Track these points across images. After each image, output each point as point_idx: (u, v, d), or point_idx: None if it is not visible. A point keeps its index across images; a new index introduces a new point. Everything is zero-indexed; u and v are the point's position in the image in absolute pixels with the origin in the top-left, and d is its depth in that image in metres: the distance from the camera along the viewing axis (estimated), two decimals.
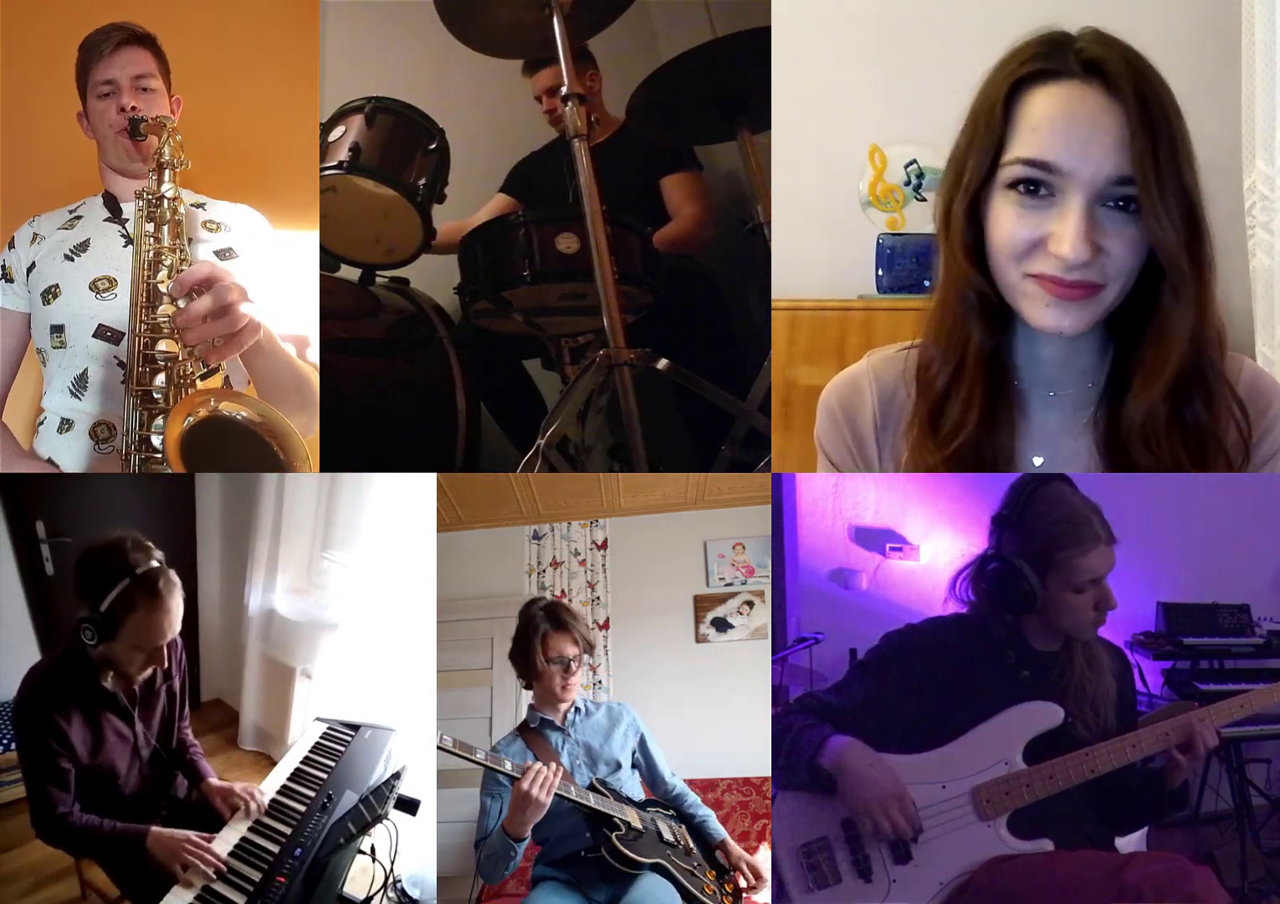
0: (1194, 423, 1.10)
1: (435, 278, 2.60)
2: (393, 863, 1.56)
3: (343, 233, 2.30)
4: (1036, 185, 1.04)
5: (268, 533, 2.72)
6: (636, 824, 1.70)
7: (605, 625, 2.76)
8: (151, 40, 1.87)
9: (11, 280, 1.90)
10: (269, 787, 1.69)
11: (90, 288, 1.82)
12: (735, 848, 1.79)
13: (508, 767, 1.57)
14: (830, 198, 2.44)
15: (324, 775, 1.78)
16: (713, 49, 2.09)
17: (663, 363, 1.93)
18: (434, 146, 2.32)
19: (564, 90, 1.92)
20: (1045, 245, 1.04)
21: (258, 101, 2.26)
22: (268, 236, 2.00)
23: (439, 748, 1.54)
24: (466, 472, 2.21)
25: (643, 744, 1.86)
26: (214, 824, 1.55)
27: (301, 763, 1.82)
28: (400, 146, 2.29)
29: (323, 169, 2.23)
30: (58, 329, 1.83)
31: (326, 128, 2.31)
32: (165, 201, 1.72)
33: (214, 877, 1.39)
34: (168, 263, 1.70)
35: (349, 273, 2.43)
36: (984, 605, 1.33)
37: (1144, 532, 2.11)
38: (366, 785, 1.72)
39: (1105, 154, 1.02)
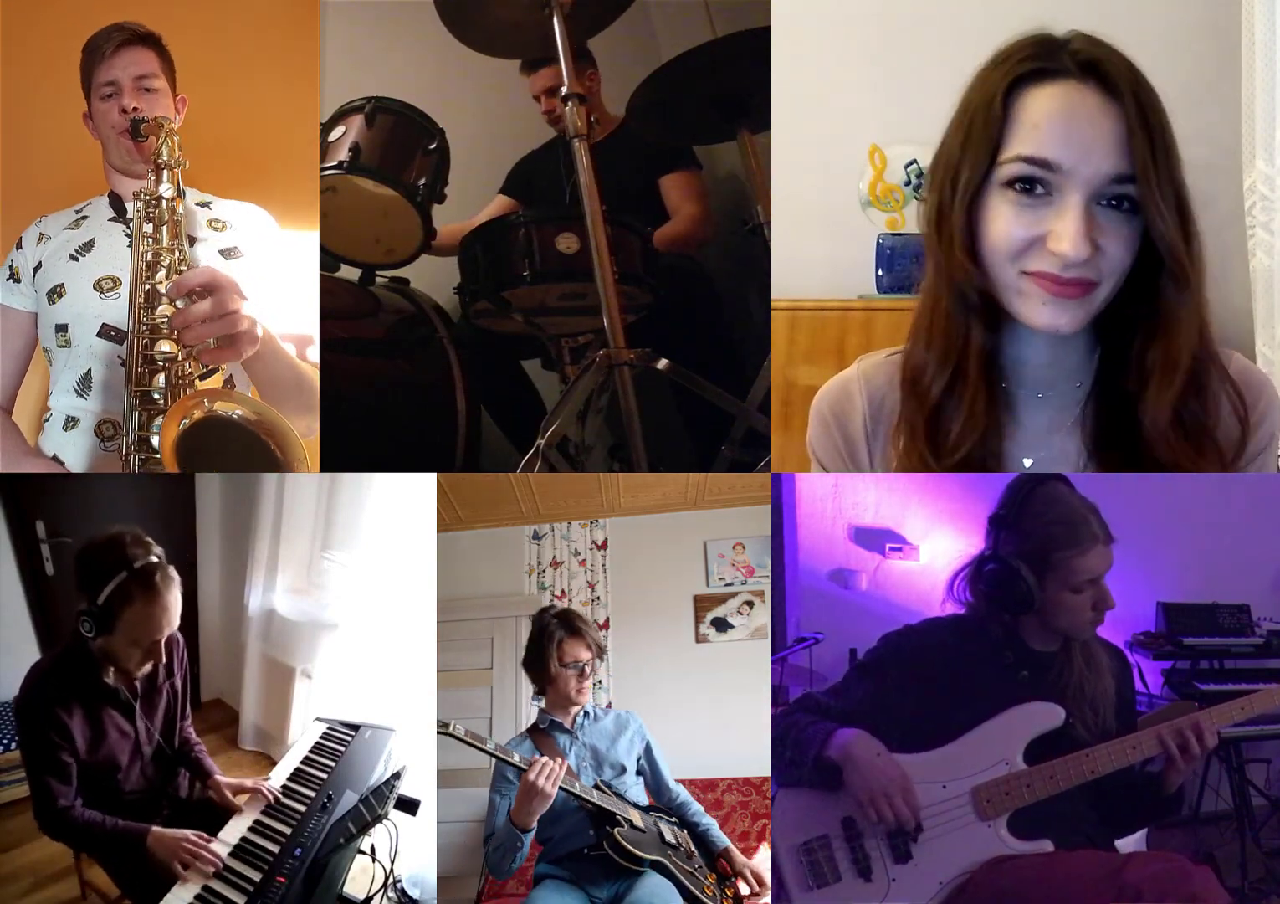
0: (1192, 417, 1.10)
1: (435, 278, 2.60)
2: (393, 863, 1.56)
3: (343, 233, 2.31)
4: (1034, 184, 1.05)
5: (268, 533, 2.72)
6: (639, 823, 1.72)
7: (605, 625, 2.76)
8: (155, 40, 1.87)
9: (19, 280, 1.91)
10: (274, 781, 1.70)
11: (94, 287, 1.82)
12: (738, 856, 1.80)
13: (515, 758, 1.61)
14: (830, 198, 2.43)
15: (324, 775, 1.78)
16: (713, 49, 2.09)
17: (663, 363, 1.94)
18: (434, 146, 2.32)
19: (564, 90, 1.92)
20: (1043, 244, 1.04)
21: (258, 101, 2.26)
22: (273, 235, 2.00)
23: (451, 734, 1.58)
24: (466, 472, 2.21)
25: (648, 752, 1.89)
26: (215, 823, 1.56)
27: (301, 763, 1.82)
28: (400, 146, 2.29)
29: (323, 169, 2.23)
30: (62, 328, 1.84)
31: (326, 128, 2.31)
32: (163, 202, 1.72)
33: (211, 875, 1.40)
34: (166, 263, 1.70)
35: (349, 273, 2.42)
36: (982, 606, 1.33)
37: (1144, 532, 2.11)
38: (366, 785, 1.73)
39: (1105, 152, 1.02)
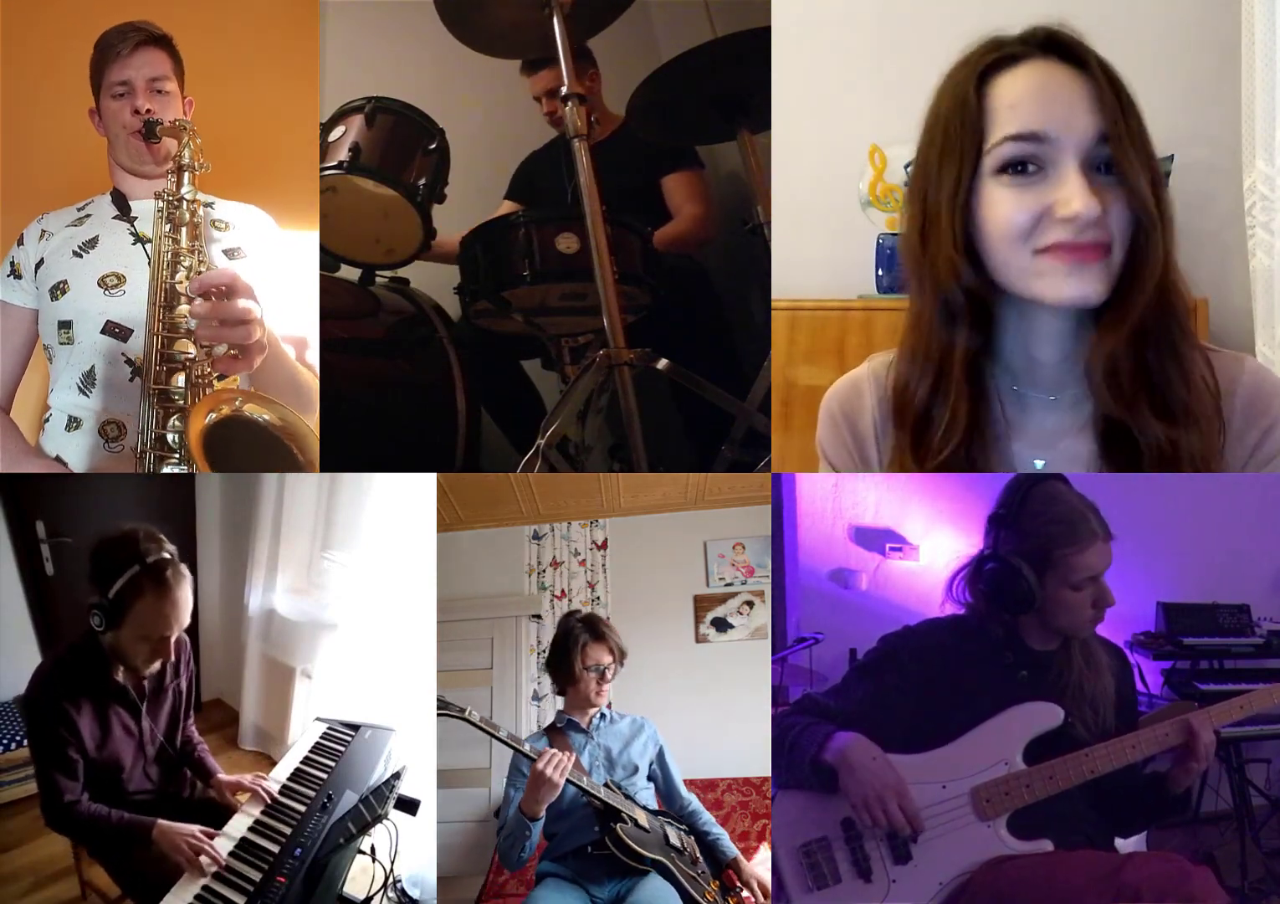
0: (1161, 380, 1.09)
1: (435, 278, 2.60)
2: (393, 863, 1.56)
3: (343, 233, 2.31)
4: (1025, 164, 1.06)
5: (268, 533, 2.72)
6: (643, 823, 1.74)
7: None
8: (168, 41, 1.88)
9: (20, 276, 1.91)
10: (274, 781, 1.71)
11: (99, 284, 1.82)
12: (747, 867, 1.81)
13: (526, 748, 1.66)
14: (830, 198, 2.43)
15: (324, 775, 1.78)
16: (713, 49, 2.09)
17: (663, 363, 1.94)
18: (434, 146, 2.32)
19: (564, 90, 1.92)
20: (1050, 217, 1.04)
21: (258, 101, 2.26)
22: (274, 236, 2.01)
23: (466, 719, 1.63)
24: (466, 472, 2.21)
25: (661, 757, 1.91)
26: (217, 824, 1.56)
27: (301, 763, 1.82)
28: (400, 146, 2.29)
29: (323, 169, 2.23)
30: (65, 325, 1.84)
31: (326, 128, 2.31)
32: (184, 204, 1.74)
33: (213, 872, 1.41)
34: (186, 264, 1.72)
35: (349, 273, 2.43)
36: (981, 606, 1.33)
37: (1143, 531, 2.11)
38: (366, 785, 1.73)
39: (1086, 115, 1.05)
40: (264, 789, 1.66)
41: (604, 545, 2.87)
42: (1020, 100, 1.07)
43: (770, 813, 1.44)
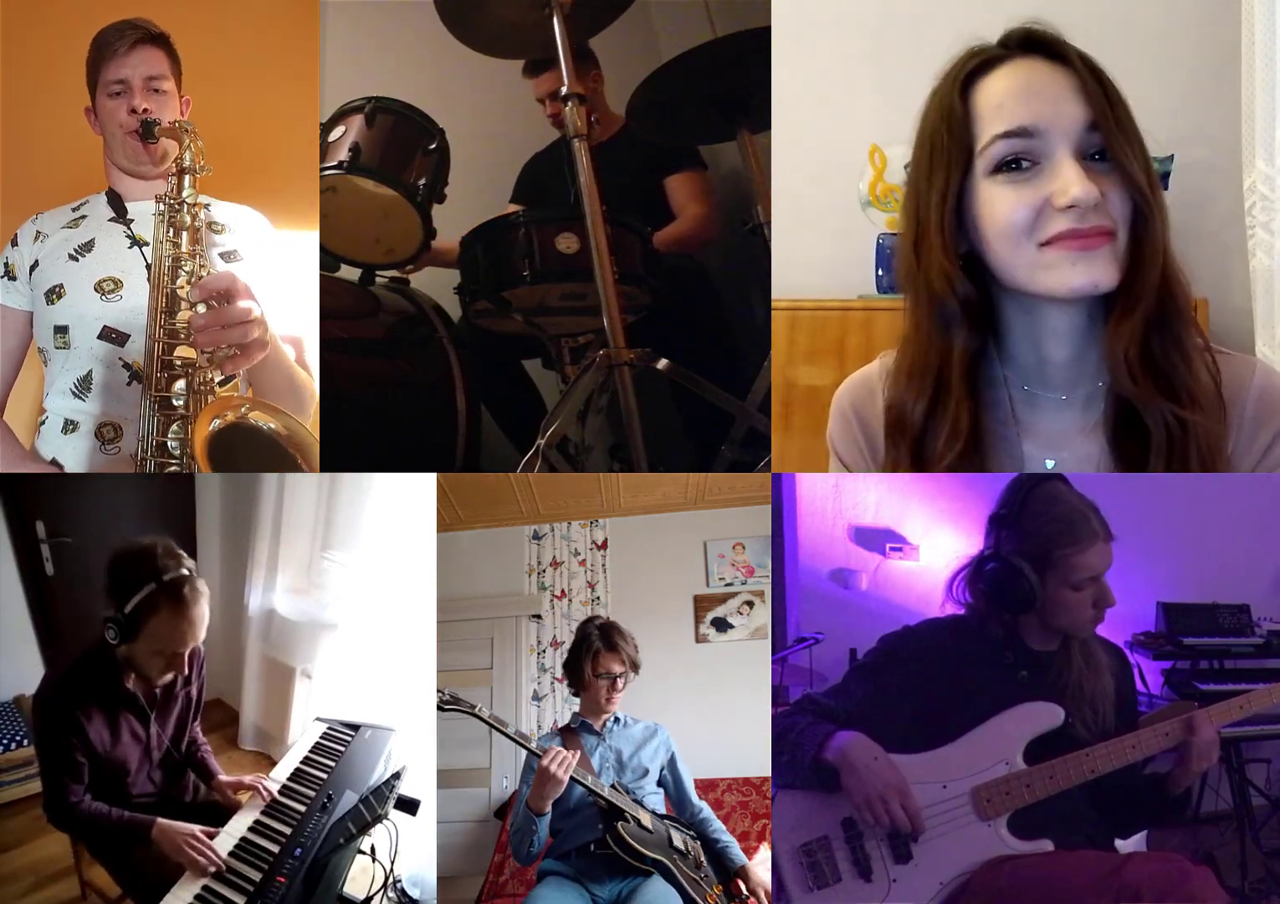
0: (1158, 355, 1.09)
1: (435, 278, 2.60)
2: (393, 863, 1.56)
3: (343, 233, 2.30)
4: (1019, 161, 1.06)
5: (268, 533, 2.72)
6: (647, 824, 1.74)
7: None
8: (165, 40, 1.86)
9: (14, 278, 1.90)
10: (274, 781, 1.71)
11: (95, 289, 1.81)
12: (755, 875, 1.81)
13: (533, 745, 1.69)
14: (830, 198, 2.43)
15: (324, 775, 1.78)
16: (713, 49, 2.09)
17: (663, 363, 1.94)
18: (434, 146, 2.32)
19: (564, 90, 1.92)
20: (1049, 208, 1.05)
21: (258, 101, 2.26)
22: (270, 238, 2.00)
23: (476, 715, 1.67)
24: (466, 472, 2.21)
25: (672, 763, 1.93)
26: (218, 827, 1.56)
27: (301, 763, 1.82)
28: (400, 146, 2.29)
29: (323, 169, 2.23)
30: (61, 330, 1.83)
31: (326, 128, 2.31)
32: (185, 207, 1.72)
33: (212, 872, 1.41)
34: (187, 268, 1.70)
35: (349, 273, 2.43)
36: (981, 606, 1.33)
37: (1144, 531, 2.11)
38: (366, 785, 1.73)
39: (1073, 104, 1.06)
40: (264, 788, 1.66)
41: (604, 545, 2.87)
42: (1005, 99, 1.08)
43: (770, 813, 1.44)
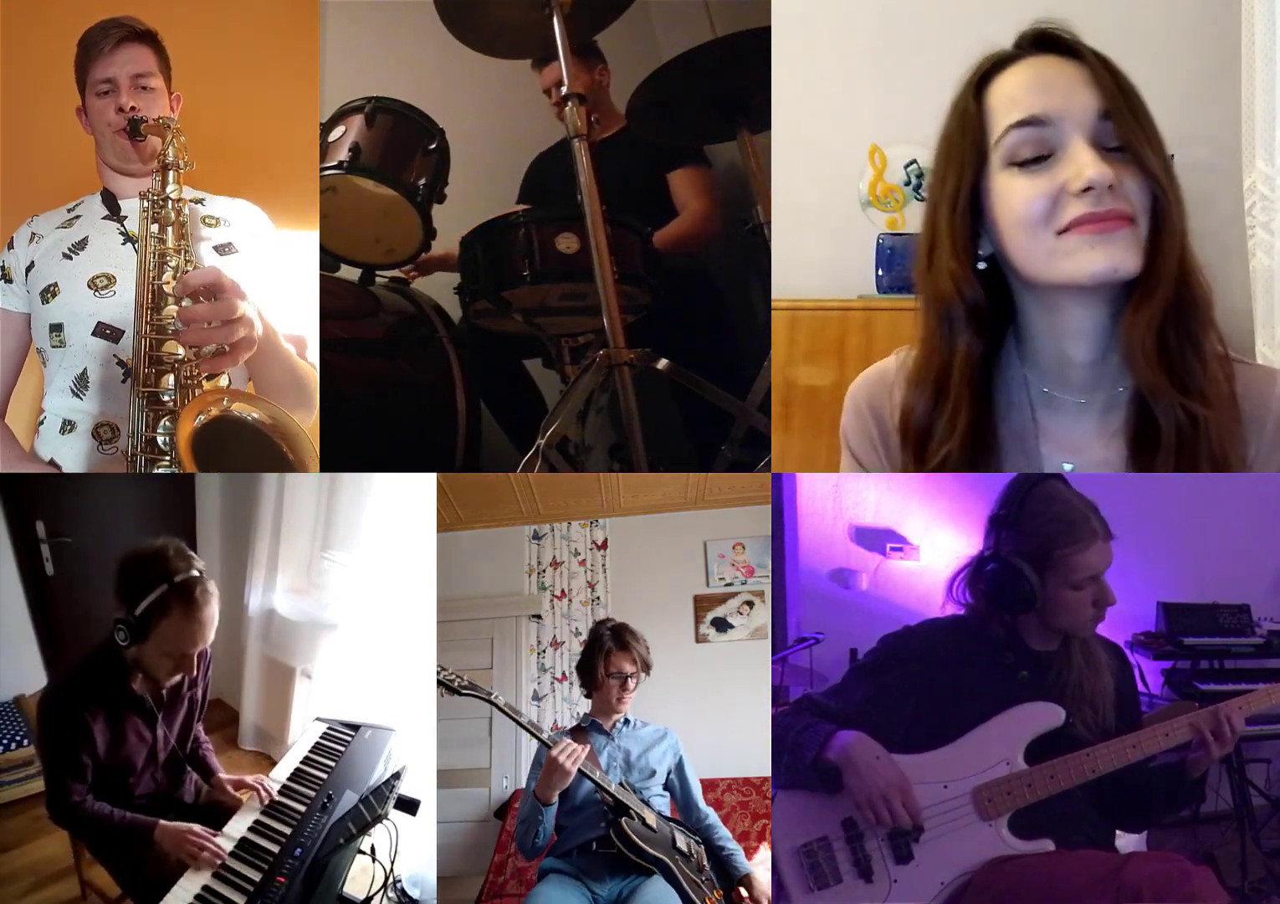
0: (1172, 345, 1.09)
1: (435, 278, 2.60)
2: (393, 863, 1.56)
3: (343, 233, 2.31)
4: (1035, 152, 1.06)
5: (268, 533, 2.72)
6: (651, 823, 1.75)
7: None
8: (152, 37, 1.85)
9: (11, 281, 1.90)
10: (274, 781, 1.71)
11: (89, 286, 1.81)
12: (759, 885, 1.81)
13: (544, 735, 1.71)
14: (830, 198, 2.44)
15: (324, 775, 1.78)
16: (713, 49, 2.09)
17: (663, 363, 1.94)
18: (434, 146, 2.32)
19: (564, 90, 1.92)
20: (1066, 193, 1.05)
21: (258, 101, 2.26)
22: (268, 232, 1.99)
23: (491, 702, 1.70)
24: (466, 472, 2.21)
25: (680, 767, 1.93)
26: (218, 828, 1.56)
27: (301, 763, 1.82)
28: (400, 146, 2.29)
29: (323, 169, 2.23)
30: (56, 328, 1.83)
31: (326, 128, 2.31)
32: (170, 203, 1.72)
33: (217, 866, 1.42)
34: (173, 264, 1.70)
35: (349, 273, 2.43)
36: (982, 606, 1.33)
37: (1144, 531, 2.11)
38: (366, 785, 1.73)
39: (1085, 93, 1.06)
40: (263, 788, 1.66)
41: (604, 545, 2.87)
42: (1018, 92, 1.08)
43: (770, 813, 1.44)
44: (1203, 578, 2.46)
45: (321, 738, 1.93)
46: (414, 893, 1.80)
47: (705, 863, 1.80)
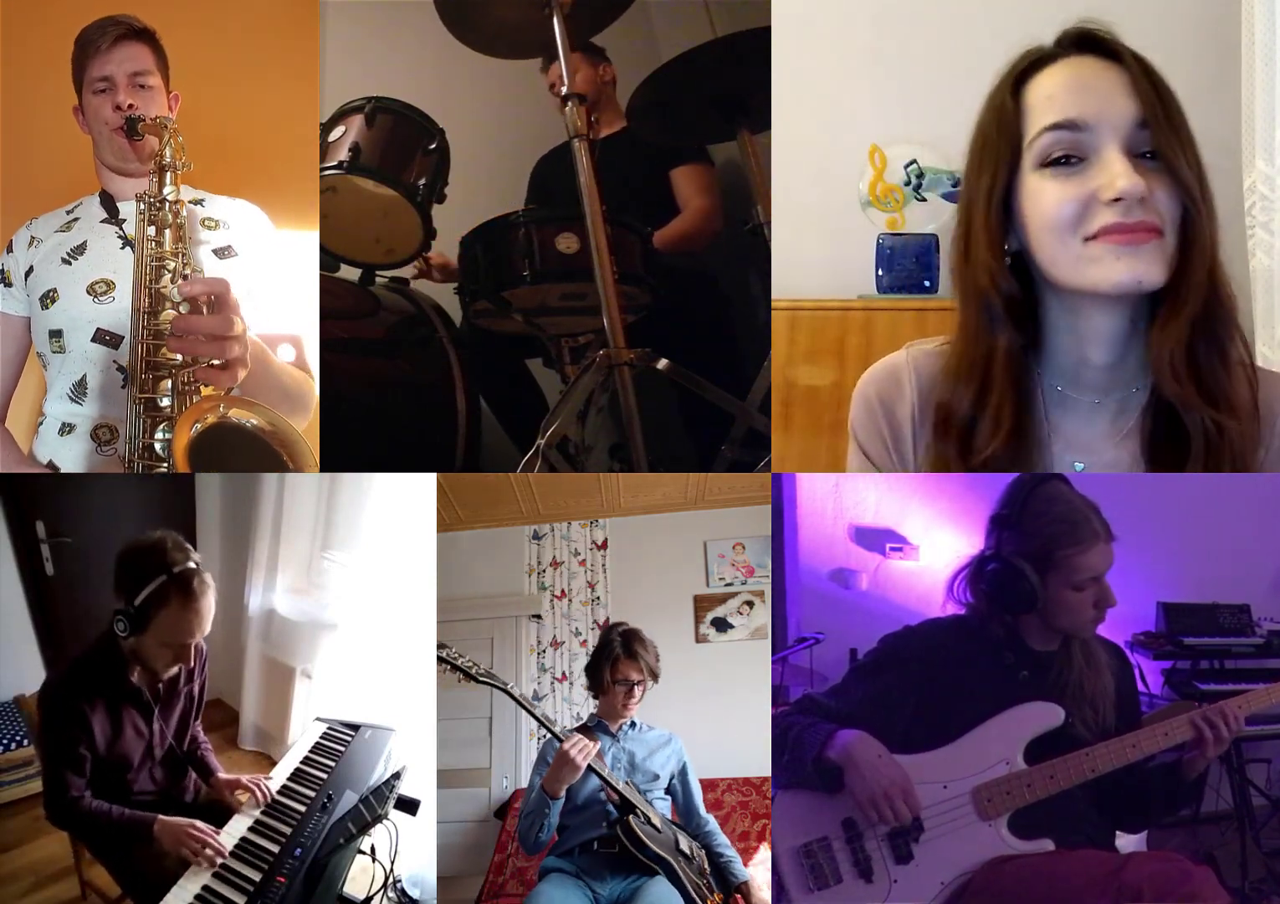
0: (1208, 365, 1.09)
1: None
2: (393, 863, 1.56)
3: (343, 233, 2.31)
4: (1067, 157, 1.06)
5: (268, 533, 2.72)
6: (656, 823, 1.76)
7: (605, 625, 2.76)
8: (150, 35, 1.84)
9: (10, 284, 1.88)
10: (274, 781, 1.71)
11: (88, 292, 1.79)
12: (757, 894, 1.82)
13: (557, 728, 1.73)
14: (830, 198, 2.43)
15: (324, 775, 1.78)
16: (713, 49, 2.09)
17: (663, 363, 1.94)
18: (434, 146, 2.32)
19: (564, 90, 1.92)
20: (1096, 202, 1.05)
21: (258, 101, 2.25)
22: (268, 233, 1.97)
23: (506, 692, 1.72)
24: (466, 472, 2.21)
25: (683, 773, 1.94)
26: (218, 827, 1.56)
27: (301, 763, 1.82)
28: (400, 146, 2.29)
29: (323, 169, 2.23)
30: (56, 334, 1.81)
31: (326, 128, 2.31)
32: (166, 205, 1.70)
33: (217, 863, 1.42)
34: (170, 267, 1.68)
35: (349, 273, 2.42)
36: (982, 606, 1.33)
37: (1145, 531, 2.11)
38: (366, 785, 1.73)
39: (1123, 99, 1.06)
40: (262, 786, 1.66)
41: (604, 545, 2.87)
42: (1056, 92, 1.08)
43: (770, 813, 1.44)
44: (1203, 578, 2.46)
45: (321, 738, 1.93)
46: (414, 893, 1.80)
47: (706, 867, 1.81)
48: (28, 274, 1.87)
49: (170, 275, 1.67)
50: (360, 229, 2.33)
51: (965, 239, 1.15)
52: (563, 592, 2.84)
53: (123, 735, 1.57)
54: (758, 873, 1.85)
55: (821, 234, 2.48)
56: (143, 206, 1.71)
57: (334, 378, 2.00)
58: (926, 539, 2.38)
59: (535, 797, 1.70)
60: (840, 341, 2.20)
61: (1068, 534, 1.26)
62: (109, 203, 1.90)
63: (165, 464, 1.65)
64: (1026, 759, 1.26)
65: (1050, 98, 1.08)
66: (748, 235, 2.11)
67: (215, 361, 1.59)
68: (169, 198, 1.70)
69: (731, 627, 2.75)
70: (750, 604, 2.76)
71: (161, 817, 1.49)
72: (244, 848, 1.50)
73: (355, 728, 1.98)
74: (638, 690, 1.89)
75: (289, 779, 1.75)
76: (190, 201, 1.90)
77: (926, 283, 2.27)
